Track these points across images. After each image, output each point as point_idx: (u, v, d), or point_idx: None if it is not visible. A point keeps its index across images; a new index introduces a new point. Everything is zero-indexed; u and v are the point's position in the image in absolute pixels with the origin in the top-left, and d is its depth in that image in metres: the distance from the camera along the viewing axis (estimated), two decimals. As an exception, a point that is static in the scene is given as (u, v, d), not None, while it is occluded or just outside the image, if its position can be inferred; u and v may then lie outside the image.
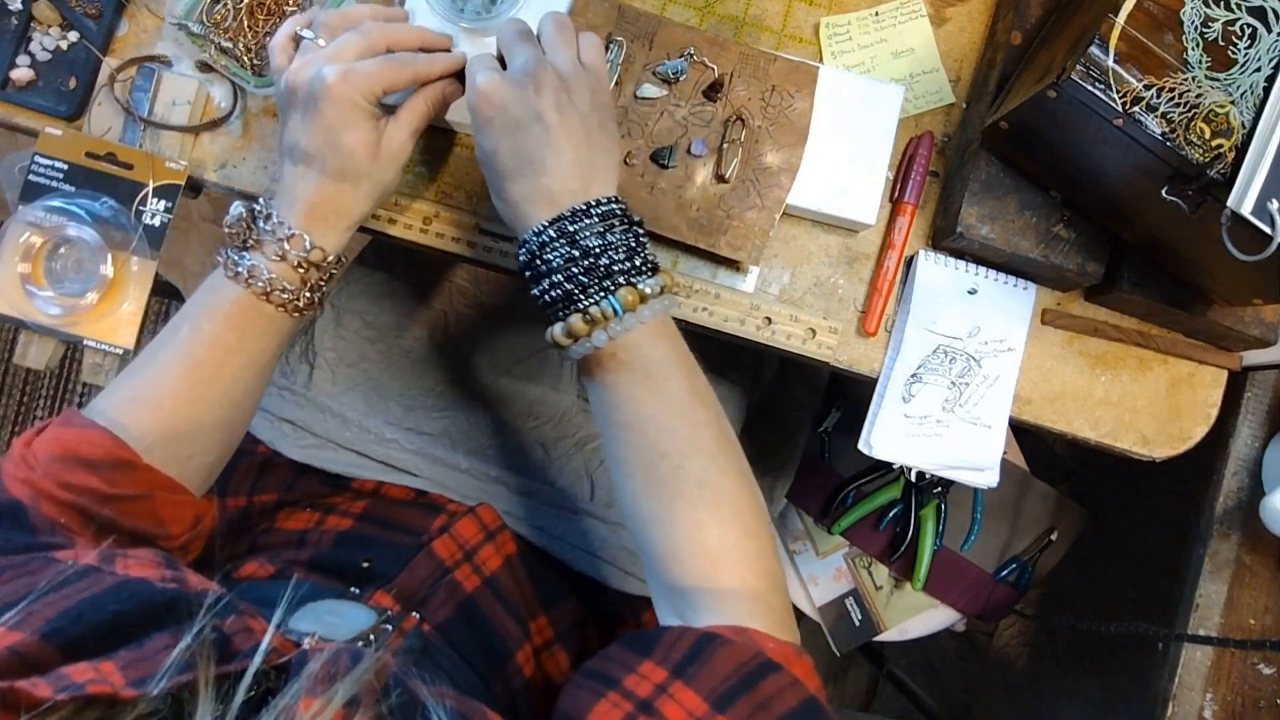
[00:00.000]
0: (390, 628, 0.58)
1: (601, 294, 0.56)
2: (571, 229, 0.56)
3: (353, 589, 0.64)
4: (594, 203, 0.57)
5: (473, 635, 0.65)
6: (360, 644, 0.54)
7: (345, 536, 0.70)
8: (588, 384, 0.60)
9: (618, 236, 0.57)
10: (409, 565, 0.66)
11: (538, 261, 0.57)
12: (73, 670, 0.35)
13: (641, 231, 0.59)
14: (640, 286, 0.56)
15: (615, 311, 0.56)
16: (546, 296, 0.57)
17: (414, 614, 0.63)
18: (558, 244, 0.56)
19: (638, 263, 0.57)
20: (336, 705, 0.38)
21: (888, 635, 1.18)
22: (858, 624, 1.18)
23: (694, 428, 0.57)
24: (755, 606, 0.54)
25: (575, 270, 0.56)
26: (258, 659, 0.39)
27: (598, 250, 0.56)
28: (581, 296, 0.56)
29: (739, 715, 0.45)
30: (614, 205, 0.58)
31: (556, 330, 0.57)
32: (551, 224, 0.56)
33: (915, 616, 1.18)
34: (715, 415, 0.59)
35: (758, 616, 0.54)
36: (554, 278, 0.56)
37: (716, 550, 0.55)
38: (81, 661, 0.36)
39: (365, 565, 0.67)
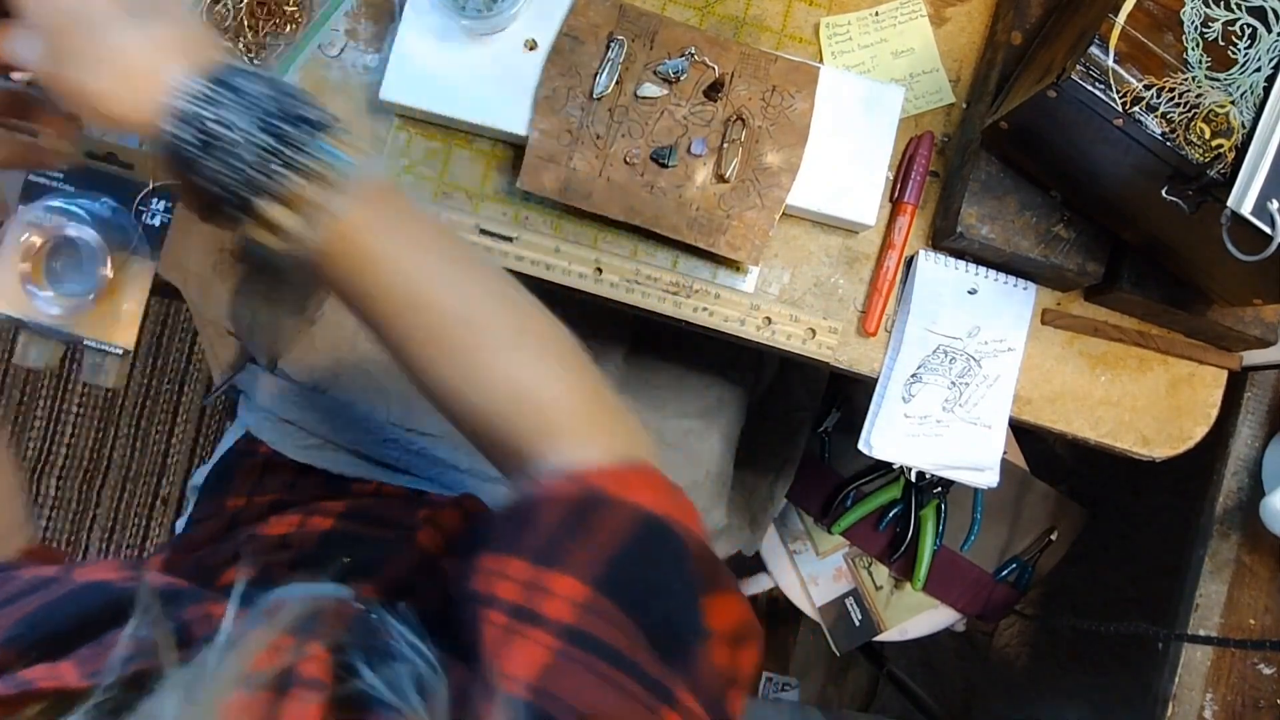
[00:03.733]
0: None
1: (312, 143, 0.43)
2: (233, 81, 0.43)
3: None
4: (231, 65, 0.44)
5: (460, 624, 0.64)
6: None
7: (328, 536, 0.69)
8: (335, 274, 0.47)
9: (287, 84, 0.45)
10: (391, 558, 0.65)
11: (203, 132, 0.42)
12: (29, 673, 0.35)
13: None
14: (341, 131, 0.45)
15: (340, 159, 0.43)
16: (230, 173, 0.42)
17: (401, 604, 0.62)
18: (223, 97, 0.42)
19: (326, 113, 0.45)
20: (285, 629, 0.36)
21: (888, 635, 1.18)
22: (858, 624, 1.18)
23: (471, 276, 0.49)
24: (589, 435, 0.49)
25: (268, 120, 0.42)
26: (226, 623, 0.38)
27: (279, 98, 0.43)
28: (286, 152, 0.42)
29: (572, 562, 0.41)
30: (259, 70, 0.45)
31: (276, 214, 0.43)
32: (206, 75, 0.42)
33: (915, 616, 1.18)
34: (473, 250, 0.52)
35: (592, 443, 0.48)
36: (239, 135, 0.42)
37: (548, 402, 0.49)
38: (41, 665, 0.36)
39: (346, 561, 0.66)
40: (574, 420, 0.49)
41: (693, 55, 0.70)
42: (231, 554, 0.69)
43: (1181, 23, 0.58)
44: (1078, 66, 0.57)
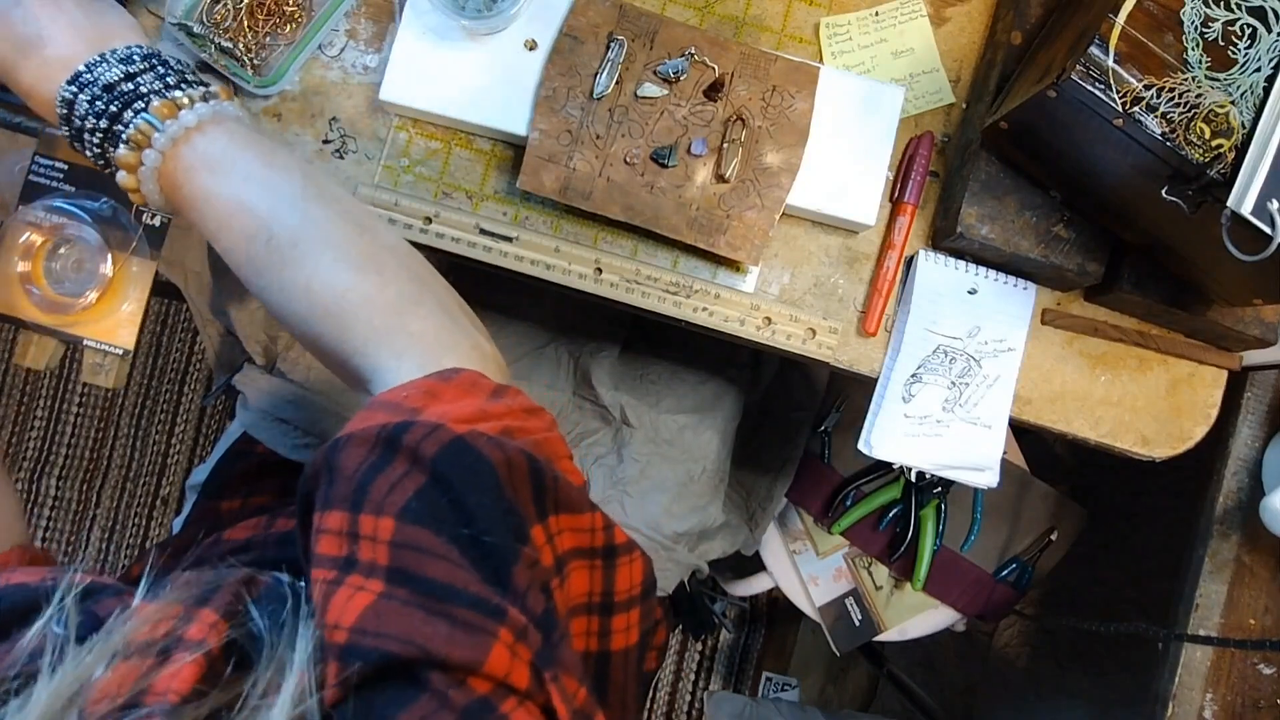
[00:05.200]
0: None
1: (133, 115, 0.54)
2: (90, 76, 0.55)
3: (299, 583, 0.62)
4: (109, 52, 0.56)
5: None
6: None
7: (290, 535, 0.69)
8: (186, 218, 0.57)
9: (142, 67, 0.56)
10: None
11: (74, 119, 0.55)
12: None
13: (180, 64, 0.58)
14: (175, 98, 0.55)
15: (154, 125, 0.54)
16: (91, 146, 0.56)
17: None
18: (82, 93, 0.54)
19: (172, 81, 0.56)
20: (177, 600, 0.37)
21: (888, 635, 1.18)
22: (858, 624, 1.18)
23: (277, 195, 0.55)
24: (404, 346, 0.51)
25: (105, 105, 0.54)
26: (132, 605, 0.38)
27: (121, 82, 0.55)
28: (118, 124, 0.54)
29: (377, 500, 0.41)
30: (132, 49, 0.56)
31: (120, 176, 0.55)
32: (71, 80, 0.55)
33: (915, 616, 1.18)
34: (297, 171, 0.56)
35: (406, 355, 0.51)
36: (88, 121, 0.55)
37: (353, 302, 0.52)
38: None
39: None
40: (388, 332, 0.51)
41: (693, 55, 0.70)
42: (195, 561, 0.68)
43: (1181, 23, 0.58)
44: (1078, 66, 0.57)
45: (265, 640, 0.37)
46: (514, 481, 0.43)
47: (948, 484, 1.15)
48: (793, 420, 1.11)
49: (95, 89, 0.55)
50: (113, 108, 0.54)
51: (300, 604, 0.39)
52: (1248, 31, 0.58)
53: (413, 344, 0.51)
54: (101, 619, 0.39)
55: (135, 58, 0.56)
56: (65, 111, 0.55)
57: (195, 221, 0.56)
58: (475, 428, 0.44)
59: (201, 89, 0.56)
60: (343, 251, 0.53)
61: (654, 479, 0.91)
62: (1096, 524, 1.21)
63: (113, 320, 0.72)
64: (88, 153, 0.57)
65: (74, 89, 0.55)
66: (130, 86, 0.55)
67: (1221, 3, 0.58)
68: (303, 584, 0.49)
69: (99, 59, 0.55)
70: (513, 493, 0.43)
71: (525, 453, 0.45)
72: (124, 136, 0.54)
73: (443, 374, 0.48)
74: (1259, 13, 0.58)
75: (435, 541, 0.40)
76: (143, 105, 0.54)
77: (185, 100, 0.55)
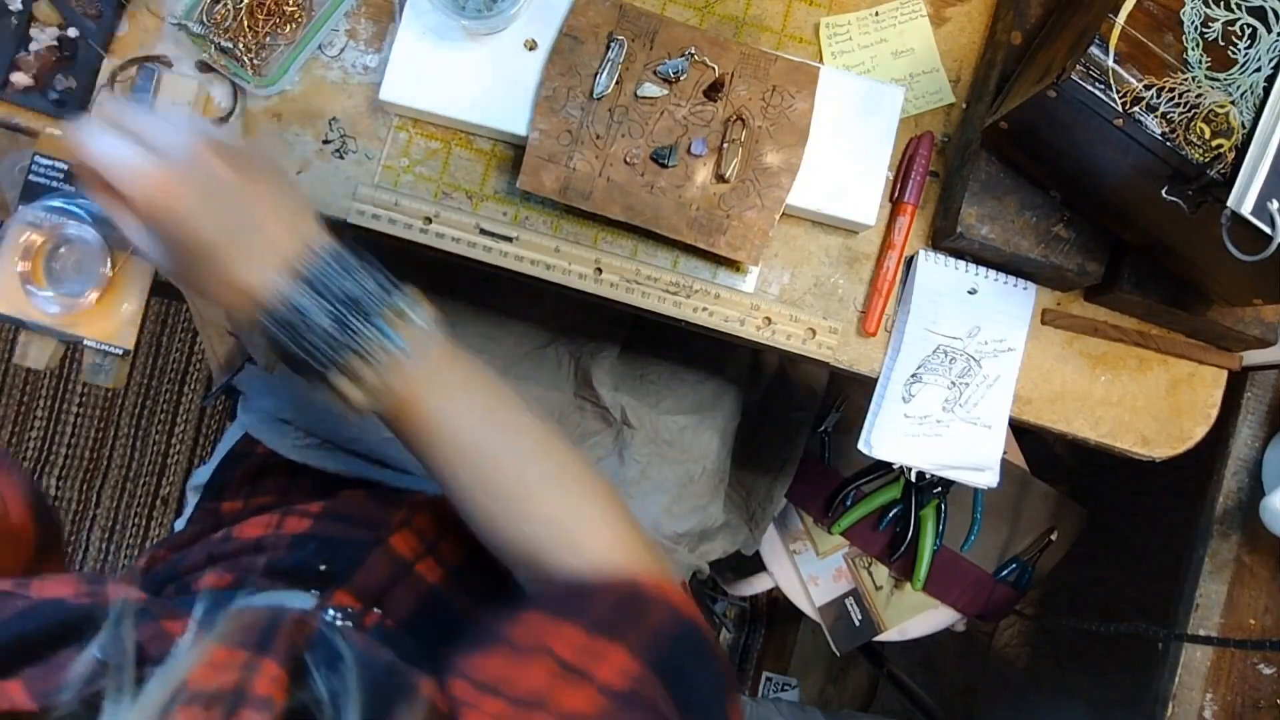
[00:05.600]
0: (351, 624, 0.57)
1: (370, 330, 0.52)
2: (311, 275, 0.52)
3: (313, 591, 0.63)
4: (320, 248, 0.53)
5: (437, 628, 0.64)
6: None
7: (302, 538, 0.68)
8: (399, 430, 0.56)
9: (353, 264, 0.53)
10: (365, 563, 0.64)
11: (291, 323, 0.52)
12: None
13: (370, 258, 0.55)
14: (399, 305, 0.53)
15: (394, 341, 0.52)
16: (315, 354, 0.52)
17: (376, 610, 0.62)
18: (305, 295, 0.51)
19: (384, 283, 0.54)
20: (239, 643, 0.37)
21: (888, 635, 1.18)
22: (858, 624, 1.18)
23: (516, 429, 0.57)
24: (628, 557, 0.56)
25: (339, 312, 0.52)
26: (186, 639, 0.38)
27: (347, 286, 0.52)
28: (353, 339, 0.52)
29: (625, 641, 0.45)
30: (336, 247, 0.54)
31: (343, 386, 0.53)
32: (293, 277, 0.52)
33: (915, 616, 1.18)
34: (519, 404, 0.58)
35: (621, 554, 0.55)
36: (317, 328, 0.51)
37: (580, 531, 0.56)
38: None
39: (323, 569, 0.66)
40: (604, 540, 0.56)
41: (693, 55, 0.70)
42: (205, 557, 0.68)
43: (1181, 23, 0.58)
44: (1078, 66, 0.57)
45: (327, 705, 0.38)
46: (725, 671, 0.50)
47: (948, 484, 1.15)
48: (793, 420, 1.11)
49: (327, 294, 0.51)
50: (351, 318, 0.51)
51: (353, 668, 0.40)
52: (1248, 31, 0.58)
53: (628, 552, 0.56)
54: (143, 644, 0.39)
55: (345, 256, 0.53)
56: (283, 310, 0.51)
57: (410, 438, 0.56)
58: (697, 619, 0.52)
59: (407, 289, 0.54)
60: (578, 485, 0.57)
61: (654, 480, 0.91)
62: (1096, 524, 1.21)
63: (113, 320, 0.72)
64: (299, 349, 0.52)
65: (298, 286, 0.51)
66: (357, 292, 0.52)
67: (1221, 3, 0.58)
68: (340, 621, 0.54)
69: (315, 255, 0.52)
70: (724, 680, 0.49)
71: (724, 652, 0.54)
72: (356, 347, 0.51)
73: (666, 574, 0.55)
74: (1259, 13, 0.58)
75: (668, 694, 0.45)
76: (373, 314, 0.52)
77: (405, 308, 0.53)
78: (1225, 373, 0.76)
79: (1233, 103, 0.57)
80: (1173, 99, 0.57)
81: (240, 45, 0.71)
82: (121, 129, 0.51)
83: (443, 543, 0.70)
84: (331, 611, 0.57)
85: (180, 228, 0.51)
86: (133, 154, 0.50)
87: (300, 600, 0.57)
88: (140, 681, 0.36)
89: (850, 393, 1.19)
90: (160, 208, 0.50)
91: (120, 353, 0.73)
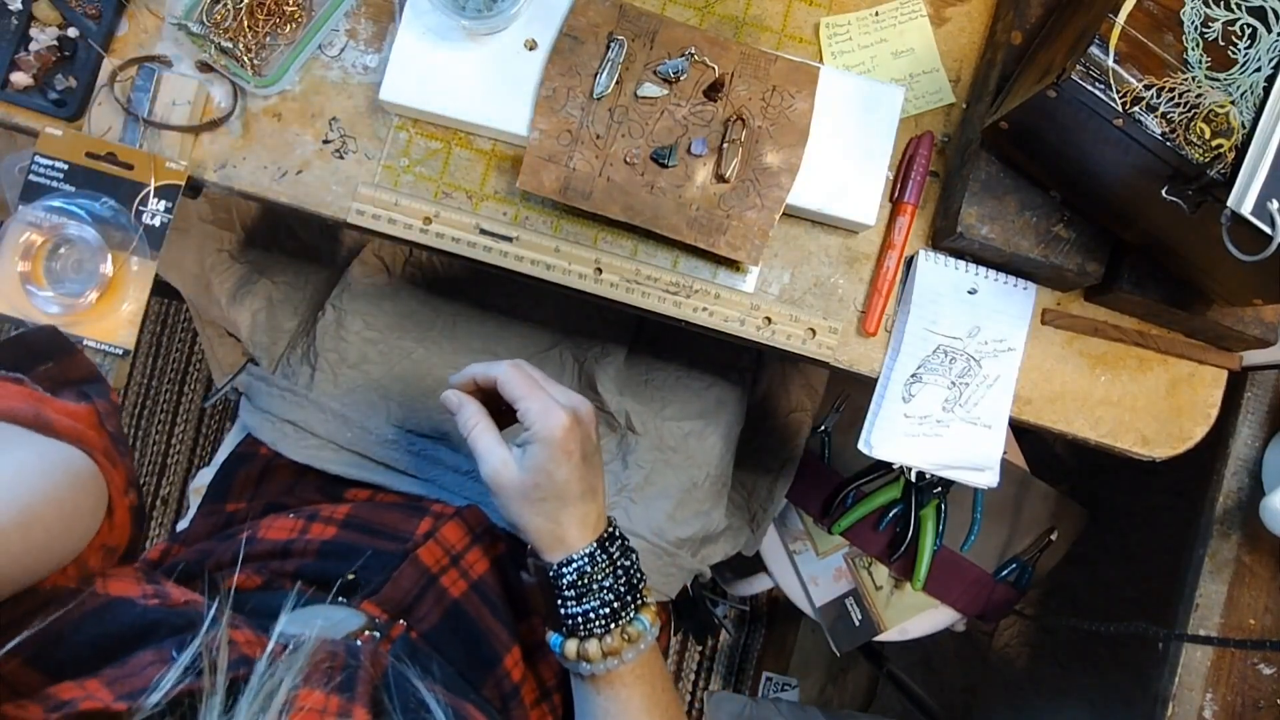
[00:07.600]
0: (379, 634, 0.58)
1: (635, 610, 0.62)
2: (611, 549, 0.62)
3: (340, 599, 0.64)
4: (615, 529, 0.64)
5: (461, 640, 0.65)
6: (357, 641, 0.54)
7: (330, 546, 0.70)
8: (594, 695, 0.63)
9: (631, 558, 0.63)
10: (393, 575, 0.66)
11: (583, 580, 0.61)
12: (58, 690, 0.35)
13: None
14: (651, 603, 0.63)
15: (645, 628, 0.61)
16: (590, 614, 0.61)
17: (401, 621, 0.63)
18: (602, 564, 0.61)
19: (642, 578, 0.63)
20: (333, 692, 0.38)
21: (888, 635, 1.18)
22: (858, 624, 1.18)
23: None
24: None
25: (621, 588, 0.61)
26: (261, 665, 0.39)
27: (630, 570, 0.62)
28: (621, 613, 0.61)
29: None
30: (616, 528, 0.64)
31: (590, 649, 0.61)
32: (600, 545, 0.62)
33: (915, 616, 1.18)
34: (679, 702, 0.66)
35: None
36: (603, 595, 0.61)
37: None
38: (65, 681, 0.36)
39: (350, 578, 0.67)
40: None
41: (693, 55, 0.70)
42: (232, 555, 0.69)
43: (1181, 23, 0.58)
44: (1078, 66, 0.57)
45: None
46: None
47: (948, 484, 1.15)
48: (793, 420, 1.11)
49: (617, 566, 0.61)
50: (625, 597, 0.61)
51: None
52: (1248, 31, 0.58)
53: None
54: (214, 651, 0.41)
55: (627, 543, 0.64)
56: (584, 569, 0.61)
57: (601, 705, 0.62)
58: None
59: (646, 581, 0.64)
60: None
61: (658, 485, 0.91)
62: (1096, 524, 1.21)
63: (113, 320, 0.72)
64: (577, 607, 0.61)
65: (601, 554, 0.61)
66: (637, 576, 0.63)
67: (1221, 3, 0.58)
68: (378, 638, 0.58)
69: (610, 532, 0.63)
70: None
71: None
72: (623, 623, 0.61)
73: None
74: (1259, 13, 0.58)
75: None
76: (638, 603, 0.62)
77: (649, 601, 0.63)
78: (1225, 373, 0.76)
79: (1233, 103, 0.57)
80: (1173, 99, 0.57)
81: (240, 45, 0.71)
82: (532, 379, 0.62)
83: (467, 554, 0.71)
84: (377, 634, 0.59)
85: (563, 465, 0.60)
86: (558, 393, 0.62)
87: (348, 618, 0.60)
88: (230, 695, 0.38)
89: (850, 393, 1.19)
90: (559, 443, 0.59)
91: (120, 353, 0.73)
